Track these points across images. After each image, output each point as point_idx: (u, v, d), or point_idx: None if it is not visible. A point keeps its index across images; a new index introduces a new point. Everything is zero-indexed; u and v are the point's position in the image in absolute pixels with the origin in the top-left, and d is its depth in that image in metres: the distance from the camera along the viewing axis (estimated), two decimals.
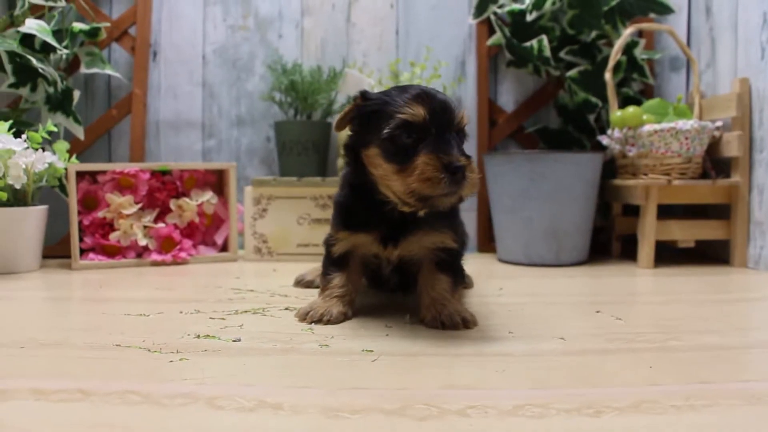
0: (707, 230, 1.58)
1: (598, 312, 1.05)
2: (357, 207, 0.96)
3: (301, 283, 1.29)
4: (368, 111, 0.91)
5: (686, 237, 1.57)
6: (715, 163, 1.60)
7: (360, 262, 1.02)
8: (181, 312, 1.03)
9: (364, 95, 0.93)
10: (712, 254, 1.68)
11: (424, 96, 0.87)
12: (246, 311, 1.04)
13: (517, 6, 1.73)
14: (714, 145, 1.60)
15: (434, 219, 0.94)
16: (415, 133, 0.86)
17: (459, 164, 0.82)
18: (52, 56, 1.65)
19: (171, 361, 0.76)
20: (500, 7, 1.79)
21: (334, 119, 1.80)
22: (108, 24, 1.76)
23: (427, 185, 0.84)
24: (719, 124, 1.58)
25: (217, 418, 0.59)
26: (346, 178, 1.01)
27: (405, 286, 1.09)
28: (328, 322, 0.96)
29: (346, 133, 1.71)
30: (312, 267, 1.32)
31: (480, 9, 1.81)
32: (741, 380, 0.71)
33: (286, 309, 1.06)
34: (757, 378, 0.72)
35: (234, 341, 0.85)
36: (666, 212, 1.59)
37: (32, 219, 1.46)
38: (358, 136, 0.94)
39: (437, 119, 0.86)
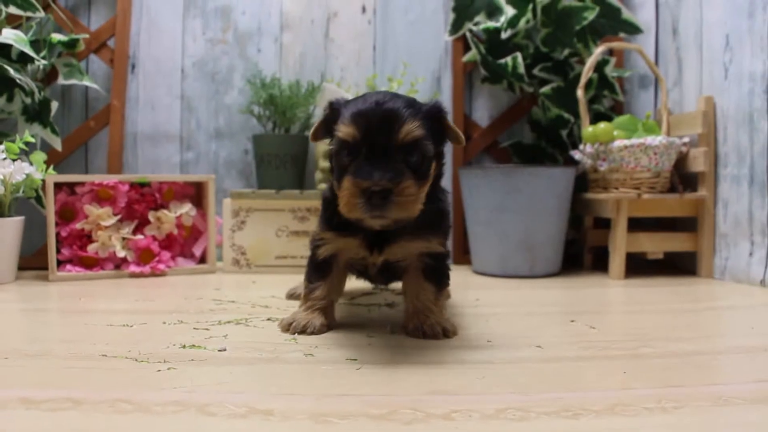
0: (675, 242, 1.63)
1: (572, 321, 1.09)
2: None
3: (293, 296, 1.28)
4: (331, 121, 0.91)
5: (655, 249, 1.62)
6: (682, 177, 1.66)
7: (344, 266, 1.02)
8: (164, 323, 1.04)
9: (331, 105, 0.93)
10: (680, 265, 1.73)
11: (365, 112, 0.85)
12: (229, 322, 1.05)
13: (492, 24, 1.78)
14: (681, 161, 1.66)
15: (421, 223, 0.92)
16: (349, 153, 0.85)
17: (376, 189, 0.81)
18: (29, 66, 1.65)
19: (159, 371, 0.77)
20: (476, 24, 1.83)
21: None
22: (87, 35, 1.76)
23: (347, 210, 0.84)
24: (686, 140, 1.64)
25: (210, 424, 0.60)
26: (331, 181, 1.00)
27: (391, 280, 1.10)
28: (311, 334, 0.97)
29: (324, 146, 1.74)
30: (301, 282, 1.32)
31: (456, 26, 1.86)
32: (709, 384, 0.74)
33: (268, 320, 1.08)
34: (724, 381, 0.76)
35: (219, 351, 0.87)
36: (636, 225, 1.64)
37: (8, 230, 1.45)
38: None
39: (371, 138, 0.84)
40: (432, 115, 0.90)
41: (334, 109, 0.92)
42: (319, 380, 0.74)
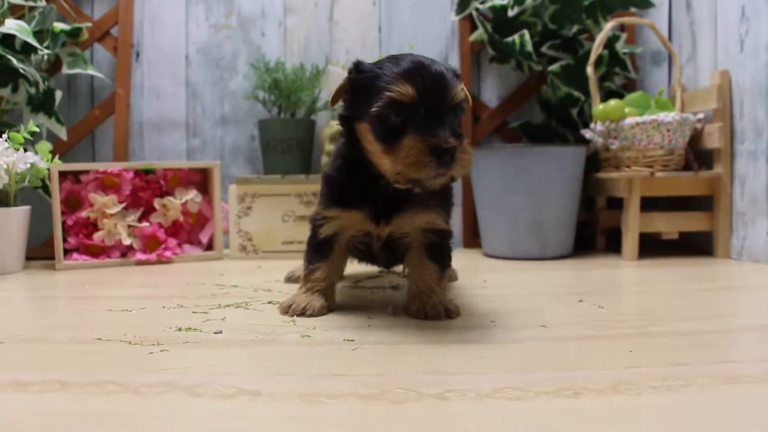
0: (690, 222, 1.59)
1: (581, 301, 1.06)
2: (350, 181, 0.93)
3: (291, 279, 1.28)
4: (360, 84, 0.88)
5: (670, 229, 1.58)
6: (697, 154, 1.62)
7: (345, 245, 1.00)
8: (163, 307, 1.03)
9: (357, 67, 0.89)
10: (696, 245, 1.69)
11: (415, 71, 0.83)
12: (229, 305, 1.04)
13: (498, 2, 1.74)
14: (696, 137, 1.61)
15: (427, 197, 0.92)
16: (403, 112, 0.83)
17: (446, 147, 0.80)
18: (33, 57, 1.64)
19: (151, 353, 0.76)
20: (482, 2, 1.79)
21: (318, 115, 1.81)
22: (90, 24, 1.75)
23: (413, 169, 0.82)
24: (701, 116, 1.60)
25: (195, 404, 0.58)
26: (340, 150, 0.97)
27: (393, 262, 1.08)
28: (311, 316, 0.95)
29: (330, 130, 1.71)
30: (300, 265, 1.32)
31: (462, 5, 1.82)
32: (719, 362, 0.71)
33: (269, 303, 1.06)
34: (735, 360, 0.73)
35: (215, 333, 0.85)
36: (649, 204, 1.59)
37: (15, 220, 1.45)
38: (352, 108, 0.91)
39: (427, 97, 0.83)
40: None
41: (364, 71, 0.88)
42: (313, 361, 0.72)
